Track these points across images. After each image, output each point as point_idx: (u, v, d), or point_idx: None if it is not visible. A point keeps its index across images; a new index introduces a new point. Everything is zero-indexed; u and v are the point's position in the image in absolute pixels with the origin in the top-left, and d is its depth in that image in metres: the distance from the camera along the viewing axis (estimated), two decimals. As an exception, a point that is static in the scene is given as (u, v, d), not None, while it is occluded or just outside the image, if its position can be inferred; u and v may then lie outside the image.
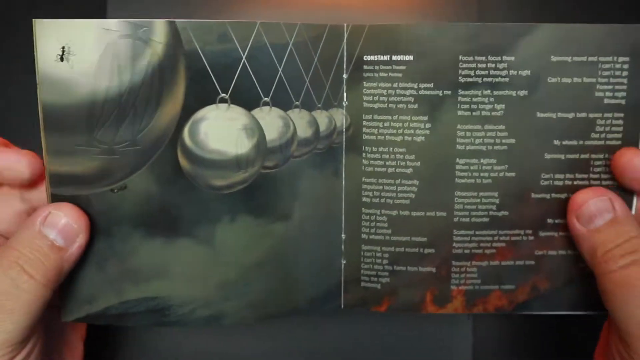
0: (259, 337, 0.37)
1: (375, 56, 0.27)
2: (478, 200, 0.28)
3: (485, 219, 0.28)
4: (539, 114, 0.27)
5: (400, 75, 0.27)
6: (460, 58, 0.26)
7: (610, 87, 0.26)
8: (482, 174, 0.27)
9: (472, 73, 0.26)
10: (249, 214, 0.26)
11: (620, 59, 0.26)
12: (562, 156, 0.27)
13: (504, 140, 0.27)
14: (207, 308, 0.26)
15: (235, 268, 0.26)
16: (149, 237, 0.25)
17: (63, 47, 0.23)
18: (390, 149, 0.28)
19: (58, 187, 0.24)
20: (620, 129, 0.27)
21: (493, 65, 0.26)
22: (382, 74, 0.27)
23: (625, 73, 0.26)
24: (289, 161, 0.26)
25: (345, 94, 0.27)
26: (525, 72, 0.26)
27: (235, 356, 0.37)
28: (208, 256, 0.26)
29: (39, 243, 0.23)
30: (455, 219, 0.28)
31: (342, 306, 0.30)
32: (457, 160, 0.27)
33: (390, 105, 0.27)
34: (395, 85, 0.27)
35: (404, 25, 0.26)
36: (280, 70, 0.25)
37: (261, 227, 0.26)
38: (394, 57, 0.27)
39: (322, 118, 0.27)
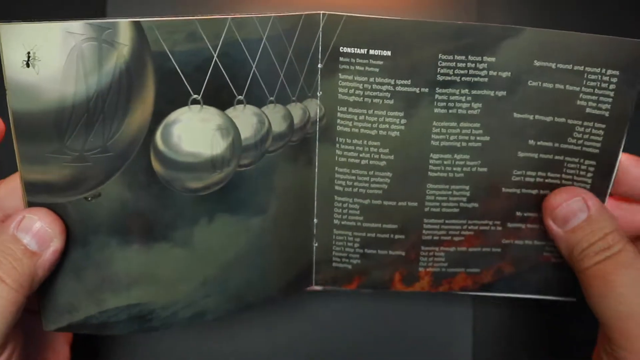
0: (254, 334, 0.37)
1: (352, 49, 0.26)
2: (449, 192, 0.28)
3: (455, 210, 0.29)
4: (515, 115, 0.27)
5: (377, 70, 0.26)
6: (439, 56, 0.26)
7: (594, 97, 0.26)
8: (454, 169, 0.28)
9: (450, 72, 0.26)
10: (226, 213, 0.26)
11: (609, 71, 0.25)
12: (535, 155, 0.28)
13: (478, 138, 0.27)
14: (190, 307, 0.27)
15: (215, 266, 0.27)
16: (126, 244, 0.25)
17: (28, 53, 0.22)
18: (365, 142, 0.28)
19: (34, 195, 0.23)
20: (600, 138, 0.26)
21: (473, 65, 0.26)
22: (358, 67, 0.26)
23: (612, 86, 0.26)
24: (264, 157, 0.26)
25: (319, 84, 0.27)
26: (506, 74, 0.26)
27: (230, 353, 0.37)
28: (187, 258, 0.26)
29: (12, 247, 0.22)
30: (426, 209, 0.29)
31: (314, 284, 0.31)
32: (431, 155, 0.28)
33: (365, 99, 0.27)
34: (371, 79, 0.27)
35: (382, 19, 0.26)
36: (254, 66, 0.25)
37: (239, 224, 0.26)
38: (372, 52, 0.26)
39: (296, 110, 0.27)
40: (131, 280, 0.25)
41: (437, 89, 0.26)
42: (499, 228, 0.29)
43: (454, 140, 0.27)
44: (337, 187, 0.29)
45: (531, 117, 0.27)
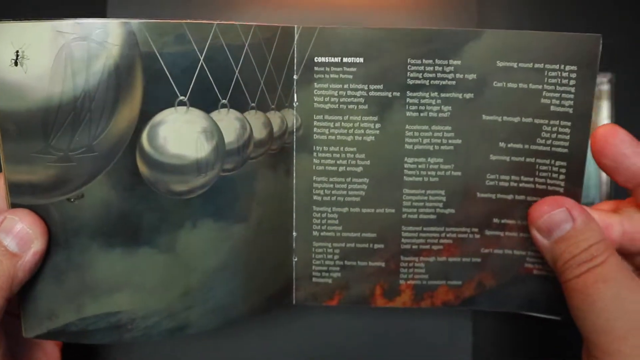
0: (245, 342, 0.36)
1: (326, 58, 0.28)
2: (425, 197, 0.29)
3: (433, 216, 0.29)
4: (484, 117, 0.28)
5: (350, 76, 0.28)
6: (408, 61, 0.27)
7: (556, 94, 0.27)
8: (429, 173, 0.29)
9: (420, 75, 0.27)
10: (209, 218, 0.26)
11: (568, 67, 0.26)
12: (507, 158, 0.28)
13: (450, 141, 0.28)
14: (171, 319, 0.26)
15: (198, 274, 0.26)
16: (108, 248, 0.24)
17: (17, 51, 0.22)
18: (341, 148, 0.29)
19: (17, 196, 0.23)
20: (567, 137, 0.27)
21: (440, 69, 0.27)
22: (332, 75, 0.28)
23: (572, 82, 0.26)
24: (246, 163, 0.27)
25: (295, 95, 0.28)
26: (472, 76, 0.27)
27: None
28: (170, 264, 0.25)
29: None
30: (404, 216, 0.29)
31: (294, 302, 0.31)
32: (406, 159, 0.29)
33: (341, 105, 0.28)
34: (345, 86, 0.28)
35: (354, 29, 0.27)
36: (237, 71, 0.26)
37: (221, 231, 0.26)
38: (345, 59, 0.28)
39: (275, 118, 0.28)
40: (112, 286, 0.24)
41: (407, 92, 0.28)
42: (477, 236, 0.29)
43: (426, 143, 0.28)
44: (315, 197, 0.29)
45: (499, 118, 0.28)
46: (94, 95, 0.23)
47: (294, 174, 0.29)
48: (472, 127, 0.28)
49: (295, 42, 0.27)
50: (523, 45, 0.26)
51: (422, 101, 0.28)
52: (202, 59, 0.24)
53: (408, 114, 0.28)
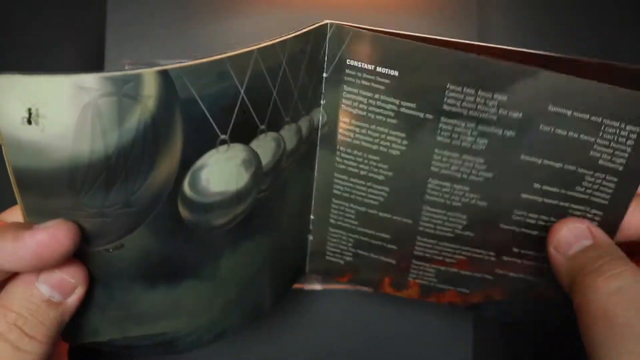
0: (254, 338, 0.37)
1: (359, 63, 0.25)
2: (445, 217, 0.28)
3: (450, 234, 0.29)
4: (523, 156, 0.26)
5: (382, 87, 0.26)
6: (448, 86, 0.25)
7: (609, 150, 0.25)
8: (453, 197, 0.28)
9: (458, 104, 0.25)
10: (247, 239, 0.26)
11: (629, 127, 0.24)
12: (539, 199, 0.27)
13: (480, 172, 0.27)
14: (213, 329, 0.27)
15: (236, 288, 0.27)
16: (151, 287, 0.24)
17: (29, 109, 0.18)
18: (365, 154, 0.28)
19: None
20: (611, 190, 0.25)
21: (482, 101, 0.25)
22: (364, 82, 0.26)
23: (630, 142, 0.24)
24: (279, 177, 0.25)
25: (324, 93, 0.26)
26: (517, 114, 0.25)
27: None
28: (212, 288, 0.26)
29: (36, 302, 0.21)
30: (420, 228, 0.29)
31: (307, 271, 0.32)
32: (430, 180, 0.27)
33: (369, 114, 0.27)
34: (376, 96, 0.26)
35: (393, 39, 0.24)
36: (274, 93, 0.23)
37: (258, 245, 0.26)
38: (379, 69, 0.25)
39: (304, 122, 0.26)
40: (156, 316, 0.25)
41: (442, 117, 0.26)
42: (493, 259, 0.29)
43: (454, 170, 0.27)
44: (335, 191, 0.29)
45: (539, 160, 0.26)
46: (129, 153, 0.20)
47: (316, 168, 0.28)
48: (507, 164, 0.26)
49: (327, 40, 0.24)
50: (583, 94, 0.24)
51: (457, 129, 0.26)
52: (242, 91, 0.21)
53: (439, 138, 0.26)
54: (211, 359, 0.36)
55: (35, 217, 0.20)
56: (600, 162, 0.25)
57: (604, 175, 0.25)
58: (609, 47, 0.37)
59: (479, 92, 0.25)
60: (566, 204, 0.26)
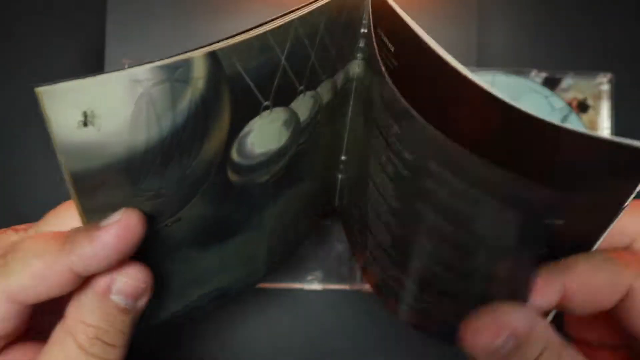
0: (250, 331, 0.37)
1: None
2: (379, 222, 0.25)
3: (385, 245, 0.26)
4: (419, 205, 0.21)
5: None
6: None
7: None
8: (379, 209, 0.24)
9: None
10: (287, 189, 0.26)
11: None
12: (438, 255, 0.22)
13: (391, 199, 0.23)
14: (255, 275, 0.29)
15: (277, 234, 0.28)
16: (204, 250, 0.25)
17: (85, 112, 0.17)
18: None
19: None
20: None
21: (388, 124, 0.20)
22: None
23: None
24: (315, 128, 0.26)
25: (359, 47, 0.25)
26: (408, 155, 0.20)
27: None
28: (257, 238, 0.27)
29: (113, 312, 0.21)
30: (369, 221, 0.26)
31: (335, 205, 0.33)
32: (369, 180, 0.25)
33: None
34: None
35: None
36: (312, 57, 0.23)
37: (296, 194, 0.27)
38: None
39: (339, 76, 0.26)
40: (210, 275, 0.26)
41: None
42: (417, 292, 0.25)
43: (379, 183, 0.24)
44: None
45: (433, 215, 0.21)
46: (182, 133, 0.20)
47: (349, 114, 0.28)
48: (408, 204, 0.22)
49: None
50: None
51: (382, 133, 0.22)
52: (283, 60, 0.21)
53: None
54: (211, 359, 0.37)
55: (94, 216, 0.20)
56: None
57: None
58: (609, 47, 0.37)
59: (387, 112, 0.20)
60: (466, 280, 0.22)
